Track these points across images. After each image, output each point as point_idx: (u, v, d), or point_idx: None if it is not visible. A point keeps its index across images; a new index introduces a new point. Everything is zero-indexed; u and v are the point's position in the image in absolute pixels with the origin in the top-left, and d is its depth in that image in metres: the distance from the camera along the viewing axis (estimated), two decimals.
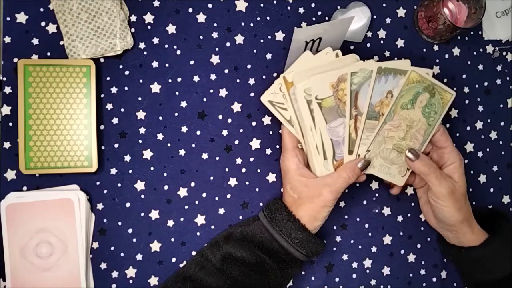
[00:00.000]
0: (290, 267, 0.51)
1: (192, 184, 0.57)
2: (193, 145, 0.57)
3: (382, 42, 0.61)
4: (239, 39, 0.58)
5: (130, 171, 0.55)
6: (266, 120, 0.58)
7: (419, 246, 0.62)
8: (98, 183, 0.55)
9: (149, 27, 0.56)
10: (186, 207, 0.56)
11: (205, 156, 0.57)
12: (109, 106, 0.55)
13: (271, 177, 0.58)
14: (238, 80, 0.58)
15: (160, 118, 0.56)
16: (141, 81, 0.56)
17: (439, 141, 0.54)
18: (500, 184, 0.64)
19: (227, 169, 0.57)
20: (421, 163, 0.51)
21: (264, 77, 0.58)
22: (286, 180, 0.53)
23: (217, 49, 0.57)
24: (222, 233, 0.54)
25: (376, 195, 0.61)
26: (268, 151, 0.58)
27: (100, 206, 0.55)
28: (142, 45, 0.56)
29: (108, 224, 0.55)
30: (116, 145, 0.55)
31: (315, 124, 0.51)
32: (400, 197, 0.61)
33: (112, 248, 0.55)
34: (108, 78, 0.55)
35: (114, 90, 0.55)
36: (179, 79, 0.57)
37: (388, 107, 0.52)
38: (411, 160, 0.52)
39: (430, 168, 0.51)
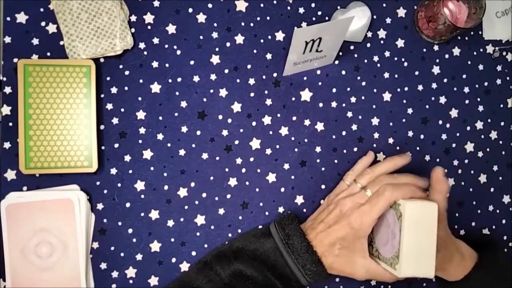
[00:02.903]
0: None
1: (192, 184, 0.57)
2: (193, 145, 0.57)
3: (382, 42, 0.61)
4: (239, 39, 0.58)
5: (130, 171, 0.55)
6: (266, 120, 0.58)
7: None
8: (98, 183, 0.55)
9: (149, 27, 0.56)
10: (186, 207, 0.56)
11: (205, 156, 0.57)
12: (109, 106, 0.55)
13: (271, 177, 0.58)
14: (238, 80, 0.58)
15: (160, 118, 0.56)
16: (141, 81, 0.56)
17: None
18: (500, 184, 0.64)
19: (227, 169, 0.57)
20: None
21: (264, 77, 0.58)
22: (344, 230, 0.48)
23: (217, 49, 0.57)
24: (231, 244, 0.53)
25: None
26: (268, 151, 0.58)
27: (100, 206, 0.55)
28: (142, 45, 0.56)
29: (108, 224, 0.55)
30: (116, 145, 0.55)
31: None
32: None
33: (112, 248, 0.55)
34: (108, 78, 0.55)
35: (114, 90, 0.55)
36: (179, 79, 0.57)
37: None
38: None
39: None
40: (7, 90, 0.53)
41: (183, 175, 0.56)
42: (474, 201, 0.63)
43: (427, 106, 0.62)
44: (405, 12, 0.62)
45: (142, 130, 0.56)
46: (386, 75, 0.61)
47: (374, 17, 0.61)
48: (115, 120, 0.55)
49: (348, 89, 0.60)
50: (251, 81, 0.58)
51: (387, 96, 0.61)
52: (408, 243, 0.46)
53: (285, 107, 0.59)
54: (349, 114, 0.60)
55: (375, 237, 0.52)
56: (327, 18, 0.60)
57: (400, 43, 0.62)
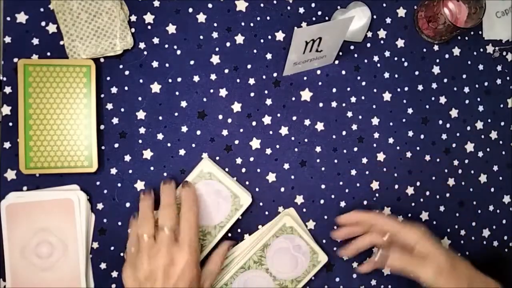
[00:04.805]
0: None
1: None
2: (193, 145, 0.57)
3: (382, 42, 0.61)
4: (239, 39, 0.58)
5: (130, 171, 0.55)
6: (266, 120, 0.58)
7: None
8: (98, 183, 0.55)
9: (149, 27, 0.56)
10: None
11: (205, 156, 0.57)
12: (109, 106, 0.55)
13: (271, 177, 0.58)
14: (238, 80, 0.58)
15: (160, 118, 0.56)
16: (141, 81, 0.56)
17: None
18: (500, 184, 0.64)
19: (227, 169, 0.57)
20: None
21: (264, 77, 0.58)
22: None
23: (217, 49, 0.58)
24: None
25: (377, 195, 0.61)
26: (268, 151, 0.58)
27: (100, 206, 0.55)
28: (142, 45, 0.56)
29: (108, 224, 0.55)
30: (116, 145, 0.55)
31: None
32: (400, 197, 0.61)
33: (112, 248, 0.55)
34: (108, 78, 0.55)
35: (114, 90, 0.55)
36: (179, 79, 0.57)
37: None
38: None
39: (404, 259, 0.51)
40: (7, 90, 0.53)
41: (183, 175, 0.56)
42: (474, 201, 0.63)
43: (427, 106, 0.62)
44: (405, 12, 0.62)
45: (142, 130, 0.56)
46: (386, 75, 0.61)
47: (374, 17, 0.61)
48: (115, 120, 0.55)
49: (348, 89, 0.60)
50: (251, 81, 0.58)
51: (387, 96, 0.61)
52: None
53: (285, 107, 0.59)
54: (349, 114, 0.60)
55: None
56: (327, 18, 0.60)
57: (400, 43, 0.62)
